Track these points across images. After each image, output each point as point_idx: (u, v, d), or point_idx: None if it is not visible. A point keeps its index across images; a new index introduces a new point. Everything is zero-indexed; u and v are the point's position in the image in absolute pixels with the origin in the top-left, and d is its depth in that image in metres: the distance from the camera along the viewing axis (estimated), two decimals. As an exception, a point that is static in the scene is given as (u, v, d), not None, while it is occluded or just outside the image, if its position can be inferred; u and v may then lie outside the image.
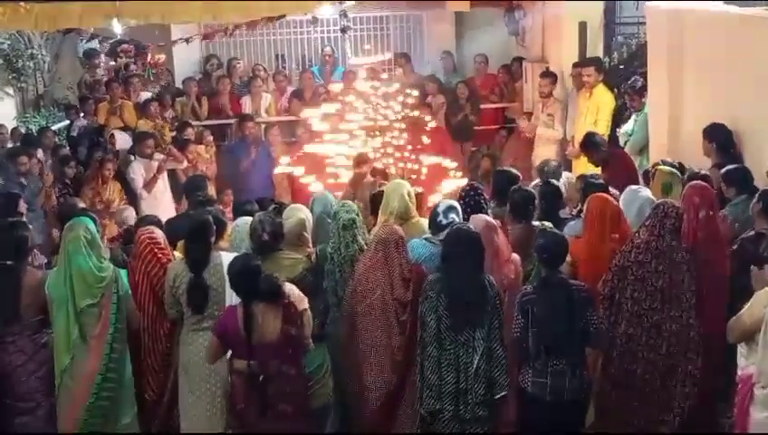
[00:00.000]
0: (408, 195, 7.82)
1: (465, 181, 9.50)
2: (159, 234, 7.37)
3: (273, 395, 6.26)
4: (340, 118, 10.27)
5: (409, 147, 10.29)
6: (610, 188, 8.19)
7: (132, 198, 11.44)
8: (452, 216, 7.23)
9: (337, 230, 7.19)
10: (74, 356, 6.78)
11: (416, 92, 11.00)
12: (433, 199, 8.83)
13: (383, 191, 8.08)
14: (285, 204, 8.53)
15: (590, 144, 10.14)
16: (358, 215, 7.31)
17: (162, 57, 15.40)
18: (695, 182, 7.28)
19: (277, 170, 11.04)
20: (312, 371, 6.88)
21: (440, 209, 7.30)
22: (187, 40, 13.32)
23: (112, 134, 12.56)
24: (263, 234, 7.08)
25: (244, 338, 6.20)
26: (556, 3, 13.73)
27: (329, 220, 7.62)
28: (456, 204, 7.47)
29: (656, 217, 6.72)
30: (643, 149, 10.75)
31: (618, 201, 7.76)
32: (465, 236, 6.43)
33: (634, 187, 7.88)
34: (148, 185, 11.63)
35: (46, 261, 8.27)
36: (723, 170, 8.08)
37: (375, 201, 8.29)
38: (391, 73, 14.78)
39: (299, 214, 7.52)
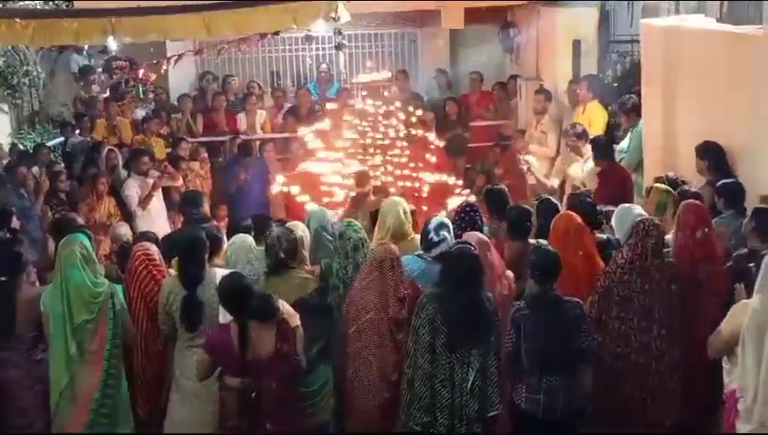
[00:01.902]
0: (404, 213, 7.83)
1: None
2: (154, 250, 7.38)
3: (263, 412, 6.24)
4: (336, 135, 10.27)
5: (411, 164, 10.27)
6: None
7: (127, 215, 11.42)
8: (443, 233, 7.25)
9: (345, 251, 7.20)
10: (73, 372, 6.77)
11: (419, 111, 11.04)
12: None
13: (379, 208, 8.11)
14: (285, 221, 8.51)
15: (596, 145, 10.40)
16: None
17: (155, 75, 15.41)
18: (689, 201, 7.27)
19: (274, 189, 11.04)
20: (315, 389, 6.86)
21: (431, 227, 7.30)
22: (180, 56, 13.31)
23: (111, 149, 12.56)
24: (279, 251, 7.07)
25: (238, 355, 6.18)
26: (550, 20, 13.78)
27: (326, 235, 7.64)
28: (448, 221, 7.48)
29: (637, 235, 6.75)
30: (638, 167, 10.77)
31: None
32: (466, 257, 6.41)
33: (627, 204, 7.89)
34: (144, 202, 11.59)
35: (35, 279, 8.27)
36: (719, 183, 8.13)
37: (374, 219, 8.31)
38: (388, 91, 14.85)
39: (296, 231, 7.52)
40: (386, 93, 10.52)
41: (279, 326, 6.22)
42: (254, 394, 6.22)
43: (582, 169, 11.22)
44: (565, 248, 7.03)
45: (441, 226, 7.31)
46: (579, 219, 7.40)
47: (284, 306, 6.38)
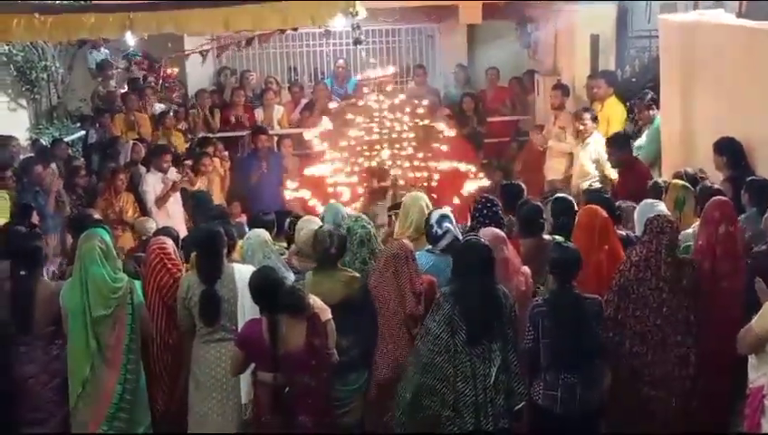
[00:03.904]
0: (427, 207, 7.83)
1: (484, 181, 9.60)
2: (170, 244, 7.38)
3: (296, 407, 6.23)
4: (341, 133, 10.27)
5: (427, 155, 10.22)
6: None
7: (145, 211, 11.45)
8: (446, 224, 7.26)
9: (352, 246, 7.19)
10: (91, 367, 6.79)
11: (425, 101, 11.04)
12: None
13: (400, 203, 8.11)
14: (299, 216, 8.52)
15: (615, 142, 10.29)
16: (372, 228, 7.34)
17: (175, 70, 15.45)
18: (716, 197, 7.20)
19: (287, 195, 11.00)
20: (352, 389, 6.86)
21: (433, 220, 7.32)
22: (202, 53, 13.37)
23: (136, 143, 12.59)
24: (330, 247, 6.99)
25: (269, 350, 6.17)
26: (568, 16, 13.75)
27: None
28: (449, 212, 7.48)
29: (651, 232, 6.68)
30: (654, 163, 10.74)
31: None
32: (476, 249, 6.40)
33: (650, 200, 7.87)
34: (160, 201, 11.61)
35: (53, 270, 8.29)
36: (748, 178, 8.07)
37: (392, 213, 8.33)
38: (403, 86, 14.85)
39: (311, 226, 7.51)
40: (388, 88, 10.41)
41: (310, 320, 6.21)
42: (286, 389, 6.22)
43: (586, 156, 11.44)
44: (590, 243, 7.04)
45: (443, 218, 7.33)
46: (604, 213, 7.37)
47: (315, 301, 6.36)
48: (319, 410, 6.32)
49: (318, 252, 7.07)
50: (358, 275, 7.05)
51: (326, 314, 6.35)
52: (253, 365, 6.41)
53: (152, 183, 11.70)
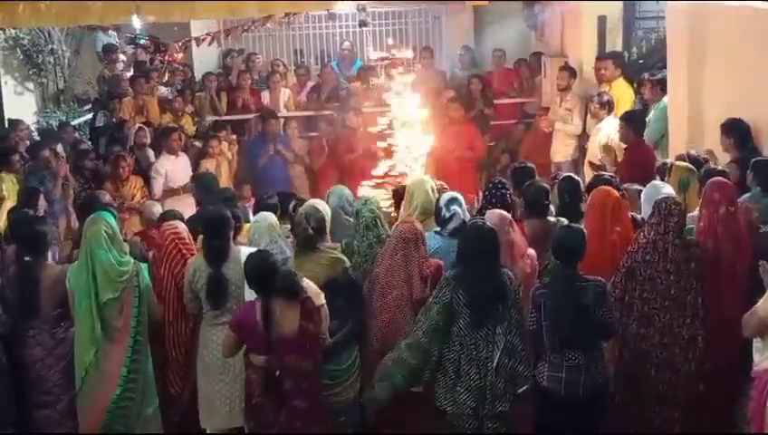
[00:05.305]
0: (432, 190, 7.82)
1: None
2: (183, 228, 7.40)
3: (289, 390, 6.27)
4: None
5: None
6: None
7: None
8: (453, 207, 7.29)
9: (359, 229, 7.20)
10: (98, 350, 6.83)
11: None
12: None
13: (405, 186, 8.11)
14: (303, 200, 8.53)
15: (630, 118, 10.27)
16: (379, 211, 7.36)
17: (181, 54, 15.43)
18: (715, 178, 7.20)
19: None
20: (344, 368, 6.86)
21: (442, 203, 7.36)
22: (210, 34, 13.35)
23: (141, 127, 12.55)
24: (308, 227, 7.06)
25: (262, 333, 6.21)
26: (575, -3, 13.69)
27: (344, 214, 7.64)
28: (459, 195, 7.50)
29: (659, 214, 6.69)
30: (659, 142, 10.71)
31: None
32: (481, 232, 6.41)
33: (657, 182, 7.86)
34: (166, 194, 11.57)
35: (66, 254, 8.31)
36: (754, 159, 8.03)
37: (397, 197, 8.31)
38: (410, 68, 14.78)
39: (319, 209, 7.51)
40: (399, 70, 10.29)
41: (304, 305, 6.24)
42: (277, 372, 6.25)
43: (597, 140, 11.31)
44: (603, 224, 7.06)
45: (452, 201, 7.35)
46: (616, 194, 7.38)
47: (310, 285, 6.39)
48: (313, 395, 6.36)
49: (297, 233, 7.10)
50: (342, 256, 7.12)
51: (320, 298, 6.38)
52: (245, 347, 6.46)
53: (162, 169, 11.66)
